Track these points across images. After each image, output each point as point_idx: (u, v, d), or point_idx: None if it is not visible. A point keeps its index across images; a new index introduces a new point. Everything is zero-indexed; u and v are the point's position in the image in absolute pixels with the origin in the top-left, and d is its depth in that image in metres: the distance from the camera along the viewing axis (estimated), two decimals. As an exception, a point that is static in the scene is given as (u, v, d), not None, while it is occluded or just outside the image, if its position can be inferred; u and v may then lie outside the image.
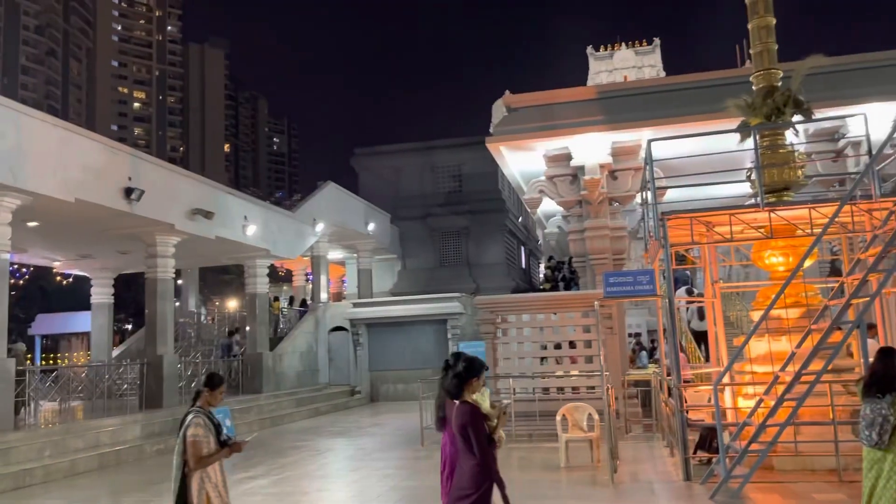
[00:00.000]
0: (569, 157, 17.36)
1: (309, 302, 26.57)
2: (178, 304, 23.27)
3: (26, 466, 10.81)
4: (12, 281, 12.31)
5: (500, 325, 14.83)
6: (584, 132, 16.57)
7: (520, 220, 36.53)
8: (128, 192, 14.06)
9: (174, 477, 5.03)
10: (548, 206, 20.42)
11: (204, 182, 17.92)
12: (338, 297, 31.28)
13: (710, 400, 11.13)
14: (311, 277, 32.25)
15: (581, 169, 17.26)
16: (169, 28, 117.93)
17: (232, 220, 18.24)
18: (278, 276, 36.47)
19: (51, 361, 25.33)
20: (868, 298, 8.72)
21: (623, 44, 60.91)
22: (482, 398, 5.94)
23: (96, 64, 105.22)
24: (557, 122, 16.69)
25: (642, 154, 17.27)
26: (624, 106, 16.47)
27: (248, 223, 18.75)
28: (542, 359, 15.21)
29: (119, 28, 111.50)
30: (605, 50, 60.53)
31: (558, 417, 11.02)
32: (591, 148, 17.00)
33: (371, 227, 27.66)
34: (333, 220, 24.51)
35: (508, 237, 33.05)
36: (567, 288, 29.73)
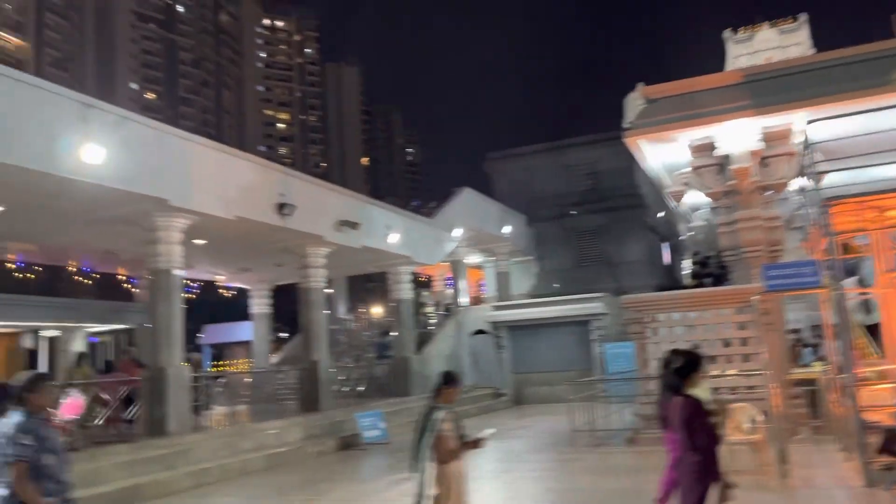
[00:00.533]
0: (714, 146, 16.57)
1: (451, 306, 27.02)
2: (328, 312, 24.42)
3: (204, 466, 11.70)
4: (186, 295, 13.51)
5: (649, 325, 14.35)
6: (731, 118, 15.70)
7: (661, 215, 35.24)
8: (280, 207, 14.93)
9: (420, 468, 5.26)
10: (692, 198, 19.58)
11: (348, 195, 18.71)
12: (477, 300, 31.56)
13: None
14: (450, 282, 32.75)
15: (728, 158, 16.41)
16: (307, 51, 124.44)
17: (375, 230, 18.90)
18: (419, 282, 37.36)
19: (219, 369, 27.39)
20: None
21: (765, 23, 57.25)
22: (703, 393, 5.77)
23: (244, 90, 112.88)
24: (701, 109, 15.96)
25: (796, 138, 16.17)
26: (774, 88, 15.46)
27: (390, 232, 19.35)
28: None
29: (263, 55, 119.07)
30: (745, 32, 57.15)
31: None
32: (739, 135, 16.09)
33: (507, 229, 27.73)
34: (470, 224, 24.78)
35: (649, 233, 31.98)
36: (716, 284, 28.24)
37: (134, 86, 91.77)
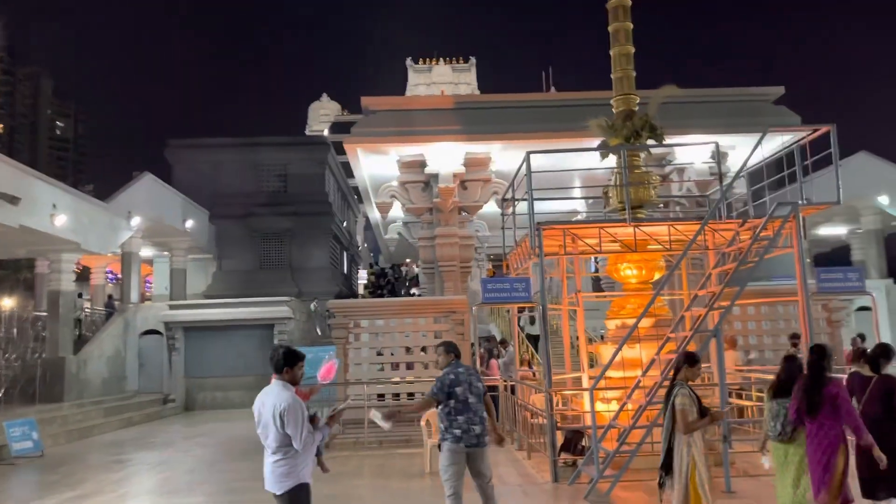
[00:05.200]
0: (423, 163, 17.25)
1: (116, 302, 23.92)
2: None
3: None
4: None
5: (353, 330, 14.21)
6: (440, 140, 16.53)
7: (344, 224, 35.80)
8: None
9: (664, 438, 5.88)
10: (391, 212, 20.02)
11: (8, 163, 15.38)
12: (141, 298, 28.35)
13: (565, 403, 11.36)
14: (112, 276, 28.96)
15: (435, 177, 17.18)
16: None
17: (39, 209, 15.87)
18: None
19: None
20: (723, 310, 9.28)
21: (441, 59, 62.51)
22: None
23: None
24: (415, 128, 16.48)
25: (492, 166, 17.59)
26: (480, 118, 16.63)
27: (57, 213, 16.37)
28: (394, 365, 14.71)
29: None
30: (424, 63, 61.71)
31: (423, 423, 10.69)
32: (446, 156, 17.01)
33: (189, 224, 25.48)
34: (150, 214, 22.27)
35: (333, 241, 32.19)
36: (392, 294, 29.42)
37: None
